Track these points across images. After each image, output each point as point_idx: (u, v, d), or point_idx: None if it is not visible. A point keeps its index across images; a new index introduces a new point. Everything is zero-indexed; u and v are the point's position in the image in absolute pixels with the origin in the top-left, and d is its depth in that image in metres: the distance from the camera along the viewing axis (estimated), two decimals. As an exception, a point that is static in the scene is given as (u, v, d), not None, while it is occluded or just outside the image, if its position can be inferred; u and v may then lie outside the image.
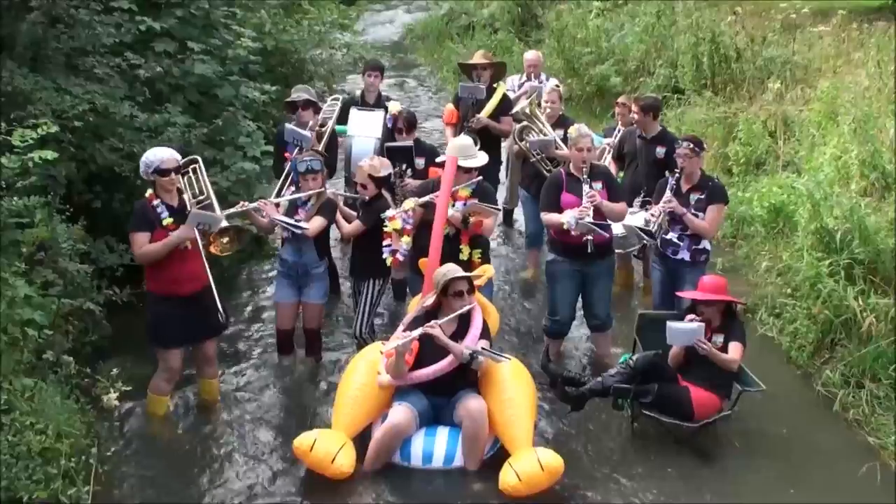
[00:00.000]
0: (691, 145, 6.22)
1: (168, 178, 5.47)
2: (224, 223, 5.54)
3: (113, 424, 5.71)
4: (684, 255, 6.24)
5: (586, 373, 6.23)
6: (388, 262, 6.15)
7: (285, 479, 5.33)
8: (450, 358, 5.33)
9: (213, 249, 5.53)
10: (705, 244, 6.30)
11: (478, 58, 8.36)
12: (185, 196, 5.67)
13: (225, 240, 5.57)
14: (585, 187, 6.10)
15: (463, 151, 6.14)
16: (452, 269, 5.49)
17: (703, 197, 6.22)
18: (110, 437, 5.58)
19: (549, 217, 6.23)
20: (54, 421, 4.95)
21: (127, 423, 5.78)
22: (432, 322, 5.34)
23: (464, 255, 6.10)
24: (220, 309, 5.60)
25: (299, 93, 7.53)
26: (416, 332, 5.30)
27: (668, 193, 6.25)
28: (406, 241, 6.09)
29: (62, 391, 5.31)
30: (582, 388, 5.71)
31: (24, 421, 4.78)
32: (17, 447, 4.64)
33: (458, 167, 6.08)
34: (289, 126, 7.20)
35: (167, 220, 5.45)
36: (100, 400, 5.52)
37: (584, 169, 6.15)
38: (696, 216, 6.17)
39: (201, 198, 5.73)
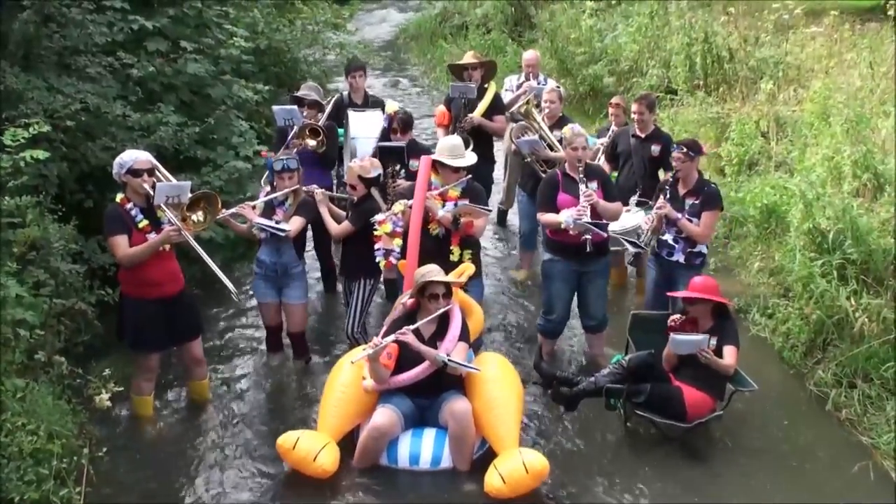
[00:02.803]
0: (685, 149, 6.17)
1: (140, 180, 5.40)
2: (189, 193, 5.43)
3: (105, 425, 5.69)
4: (679, 257, 6.21)
5: (580, 373, 6.22)
6: (382, 264, 6.13)
7: (273, 480, 5.33)
8: (426, 363, 5.33)
9: (189, 230, 5.41)
10: (701, 248, 6.24)
11: (467, 58, 8.29)
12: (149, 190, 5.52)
13: (198, 215, 5.49)
14: (582, 187, 6.09)
15: (451, 152, 6.12)
16: (431, 271, 5.47)
17: (697, 202, 6.16)
18: (102, 438, 5.55)
19: (546, 217, 6.22)
20: (46, 421, 4.92)
21: (118, 424, 5.78)
22: (404, 328, 5.33)
23: (454, 257, 6.08)
24: (228, 286, 5.42)
25: (309, 91, 7.48)
26: (388, 340, 5.29)
27: (661, 199, 6.25)
28: (398, 242, 6.07)
29: (54, 391, 5.28)
30: (575, 388, 5.73)
31: (15, 421, 4.76)
32: (8, 448, 4.62)
33: (447, 167, 6.08)
34: (276, 107, 7.16)
35: (142, 223, 5.41)
36: (92, 400, 5.47)
37: (580, 168, 6.15)
38: (690, 221, 6.14)
39: (162, 181, 5.62)
